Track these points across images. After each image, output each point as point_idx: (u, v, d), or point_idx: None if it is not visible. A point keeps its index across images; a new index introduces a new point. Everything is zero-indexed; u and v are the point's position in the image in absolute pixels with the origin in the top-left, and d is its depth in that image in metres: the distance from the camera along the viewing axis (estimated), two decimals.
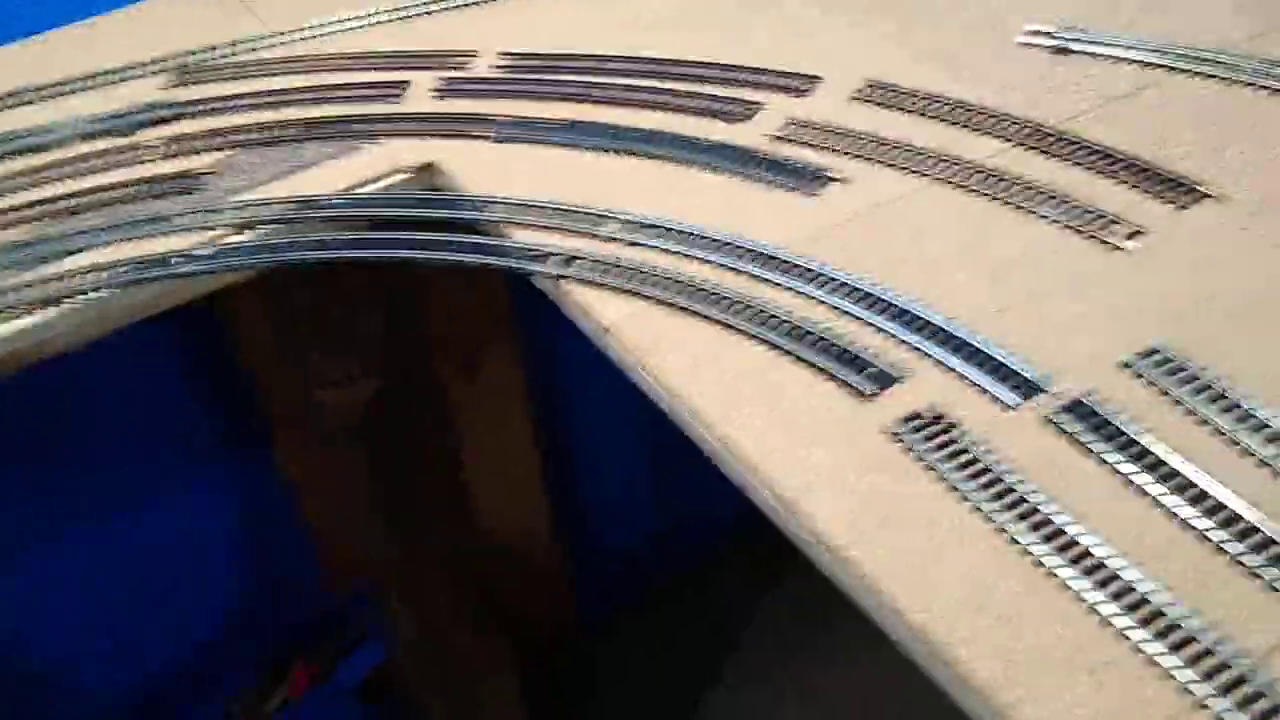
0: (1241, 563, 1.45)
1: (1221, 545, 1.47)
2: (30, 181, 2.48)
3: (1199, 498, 1.52)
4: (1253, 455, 1.57)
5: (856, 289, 1.92)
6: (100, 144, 2.57)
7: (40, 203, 2.41)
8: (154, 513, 3.64)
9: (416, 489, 3.26)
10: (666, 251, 2.08)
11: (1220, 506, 1.51)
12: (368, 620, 3.96)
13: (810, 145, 2.27)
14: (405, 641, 3.56)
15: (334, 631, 4.06)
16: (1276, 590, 1.42)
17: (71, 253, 2.27)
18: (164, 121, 2.61)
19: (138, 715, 3.95)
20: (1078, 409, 1.66)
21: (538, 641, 3.98)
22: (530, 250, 2.12)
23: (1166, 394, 1.67)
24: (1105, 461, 1.59)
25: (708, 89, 2.48)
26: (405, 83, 2.64)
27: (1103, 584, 1.45)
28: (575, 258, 2.08)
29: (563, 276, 2.06)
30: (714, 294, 1.95)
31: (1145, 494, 1.55)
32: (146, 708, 3.96)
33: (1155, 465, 1.57)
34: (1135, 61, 2.35)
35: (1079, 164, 2.12)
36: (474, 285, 3.18)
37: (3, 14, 3.00)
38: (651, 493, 4.44)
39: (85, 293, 2.18)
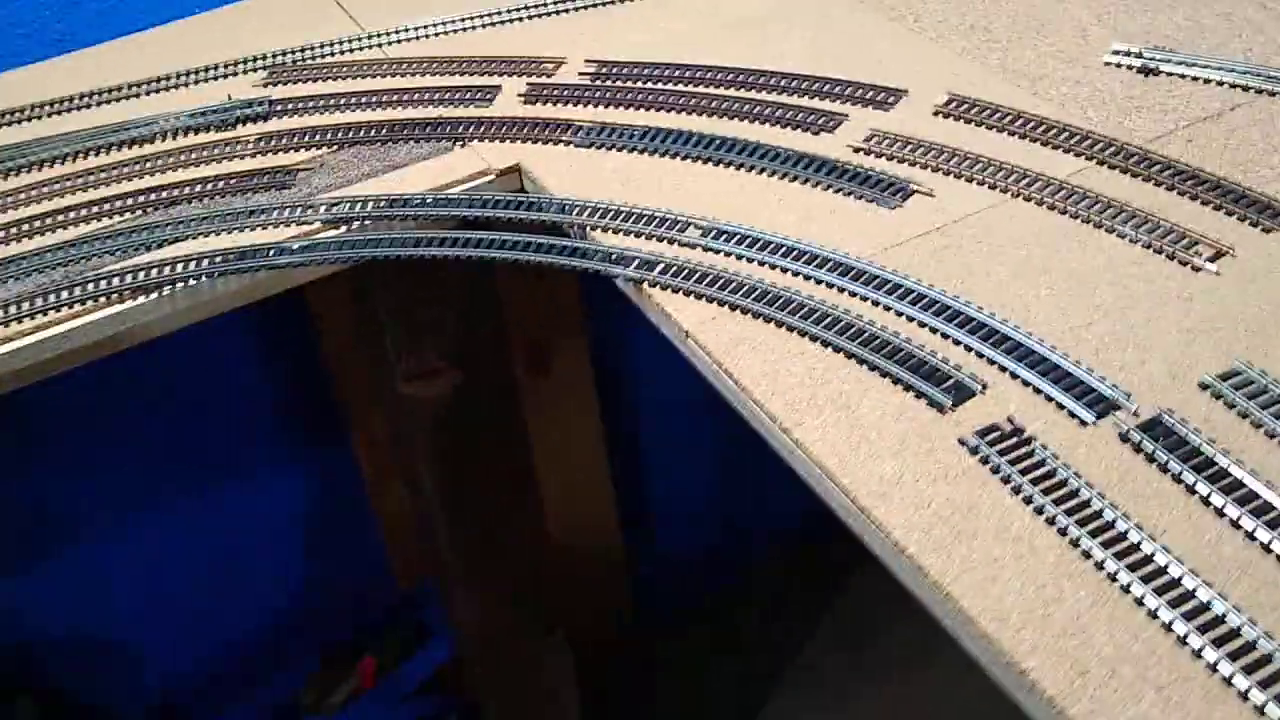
0: None
1: None
2: (134, 171, 2.57)
3: (1276, 521, 1.52)
4: None
5: (936, 301, 1.93)
6: (199, 138, 2.66)
7: (142, 192, 2.50)
8: (234, 495, 3.75)
9: (485, 485, 3.32)
10: (746, 259, 2.11)
11: None
12: (434, 616, 4.03)
13: (892, 158, 2.29)
14: (466, 638, 3.62)
15: (402, 626, 4.13)
16: None
17: (170, 241, 2.36)
18: (259, 118, 2.69)
19: (204, 695, 4.06)
20: (1155, 427, 1.67)
21: (596, 641, 4.01)
22: (612, 253, 2.17)
23: (1246, 416, 1.67)
24: (1181, 480, 1.60)
25: (792, 99, 2.51)
26: (496, 87, 2.70)
27: (1176, 602, 1.45)
28: (656, 262, 2.12)
29: (644, 280, 2.10)
30: (793, 301, 1.98)
31: (1222, 514, 1.55)
32: (212, 688, 4.06)
33: (1232, 486, 1.57)
34: (1223, 83, 2.34)
35: (1163, 184, 2.12)
36: (546, 283, 3.23)
37: (108, 11, 3.11)
38: (716, 497, 4.47)
39: (183, 281, 2.26)
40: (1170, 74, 2.41)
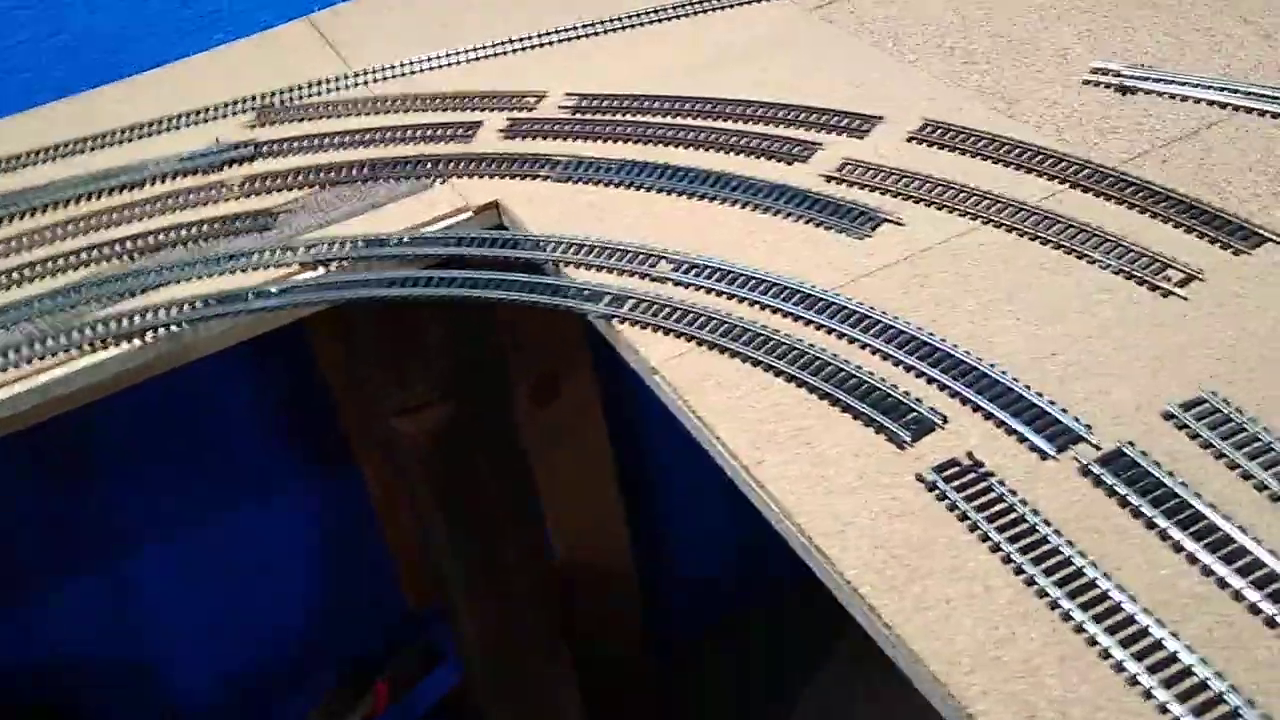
0: (1276, 623, 1.42)
1: (1256, 605, 1.44)
2: (119, 218, 2.61)
3: (1234, 555, 1.50)
4: None
5: (900, 333, 1.92)
6: (185, 182, 2.69)
7: (127, 239, 2.54)
8: (247, 519, 3.80)
9: (485, 514, 3.32)
10: (716, 292, 2.11)
11: (1257, 564, 1.48)
12: (444, 641, 4.05)
13: (864, 186, 2.28)
14: (475, 663, 3.63)
15: (413, 650, 4.15)
16: None
17: (154, 288, 2.39)
18: (245, 160, 2.72)
19: (219, 715, 4.10)
20: (1116, 460, 1.65)
21: (608, 668, 4.01)
22: (584, 290, 2.17)
23: (1209, 446, 1.65)
24: (1140, 514, 1.58)
25: (768, 129, 2.51)
26: (477, 123, 2.71)
27: (1128, 641, 1.43)
28: (627, 297, 2.13)
29: (614, 316, 2.10)
30: (758, 335, 1.98)
31: (1179, 549, 1.53)
32: (228, 709, 4.10)
33: (1191, 520, 1.55)
34: (1200, 100, 2.32)
35: (1135, 206, 2.10)
36: (550, 314, 3.24)
37: (94, 57, 3.16)
38: (729, 521, 4.45)
39: (165, 326, 2.29)
40: (1148, 92, 2.38)
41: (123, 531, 3.67)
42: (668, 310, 2.08)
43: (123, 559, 3.73)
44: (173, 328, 2.29)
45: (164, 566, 3.78)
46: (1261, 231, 1.99)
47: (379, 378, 2.86)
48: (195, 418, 3.60)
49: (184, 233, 2.52)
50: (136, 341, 2.28)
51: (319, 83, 2.96)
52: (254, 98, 2.95)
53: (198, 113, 2.93)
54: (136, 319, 2.30)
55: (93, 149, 2.89)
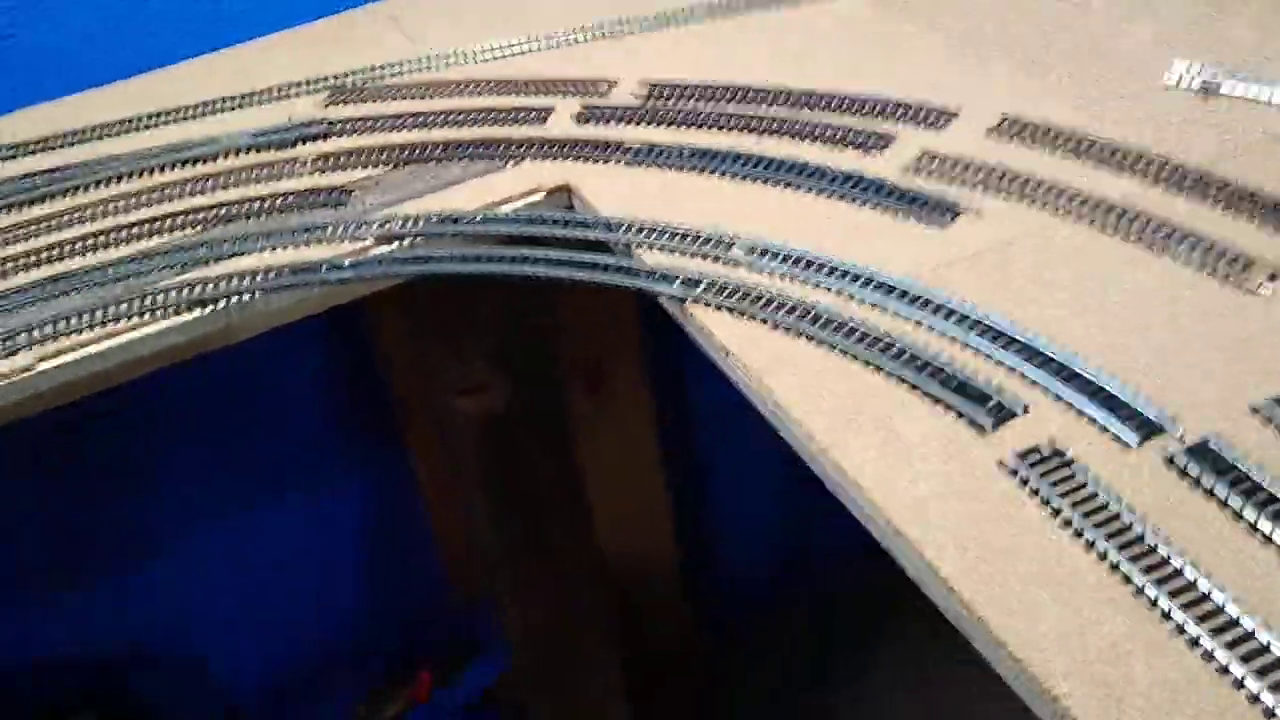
0: None
1: None
2: (195, 189, 2.63)
3: None
4: None
5: (979, 322, 1.91)
6: (258, 157, 2.71)
7: (202, 209, 2.56)
8: (295, 508, 3.81)
9: (539, 503, 3.33)
10: (790, 278, 2.10)
11: None
12: (488, 631, 4.05)
13: (942, 178, 2.27)
14: (521, 649, 3.63)
15: (458, 640, 4.15)
16: None
17: (227, 257, 2.41)
18: (318, 138, 2.74)
19: (267, 707, 4.11)
20: (1201, 451, 1.63)
21: (653, 663, 4.00)
22: (656, 271, 2.17)
23: None
24: (1228, 506, 1.55)
25: (844, 119, 2.50)
26: (550, 108, 2.72)
27: (1218, 630, 1.41)
28: (700, 280, 2.12)
29: (687, 299, 2.10)
30: (834, 321, 1.97)
31: (1271, 542, 1.50)
32: (275, 701, 4.12)
33: None
34: None
35: (1218, 205, 2.07)
36: (603, 300, 3.25)
37: (172, 35, 3.20)
38: (779, 514, 4.43)
39: (238, 295, 2.31)
40: (1231, 95, 2.35)
41: (173, 520, 3.69)
42: (741, 293, 2.07)
43: (173, 548, 3.75)
44: (244, 297, 2.31)
45: (214, 555, 3.79)
46: None
47: (439, 354, 2.87)
48: (250, 397, 3.62)
49: (257, 205, 2.55)
50: (208, 309, 2.30)
51: (393, 65, 2.98)
52: (328, 78, 2.98)
53: (272, 90, 2.96)
54: (209, 287, 2.32)
55: (168, 123, 2.92)
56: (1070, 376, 1.78)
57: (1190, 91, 2.39)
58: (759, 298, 2.05)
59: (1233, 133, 2.25)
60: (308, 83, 2.97)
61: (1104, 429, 1.70)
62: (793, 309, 2.01)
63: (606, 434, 3.61)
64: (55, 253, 2.49)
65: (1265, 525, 1.52)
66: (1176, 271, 1.96)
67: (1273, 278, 1.90)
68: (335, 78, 2.97)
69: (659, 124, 2.60)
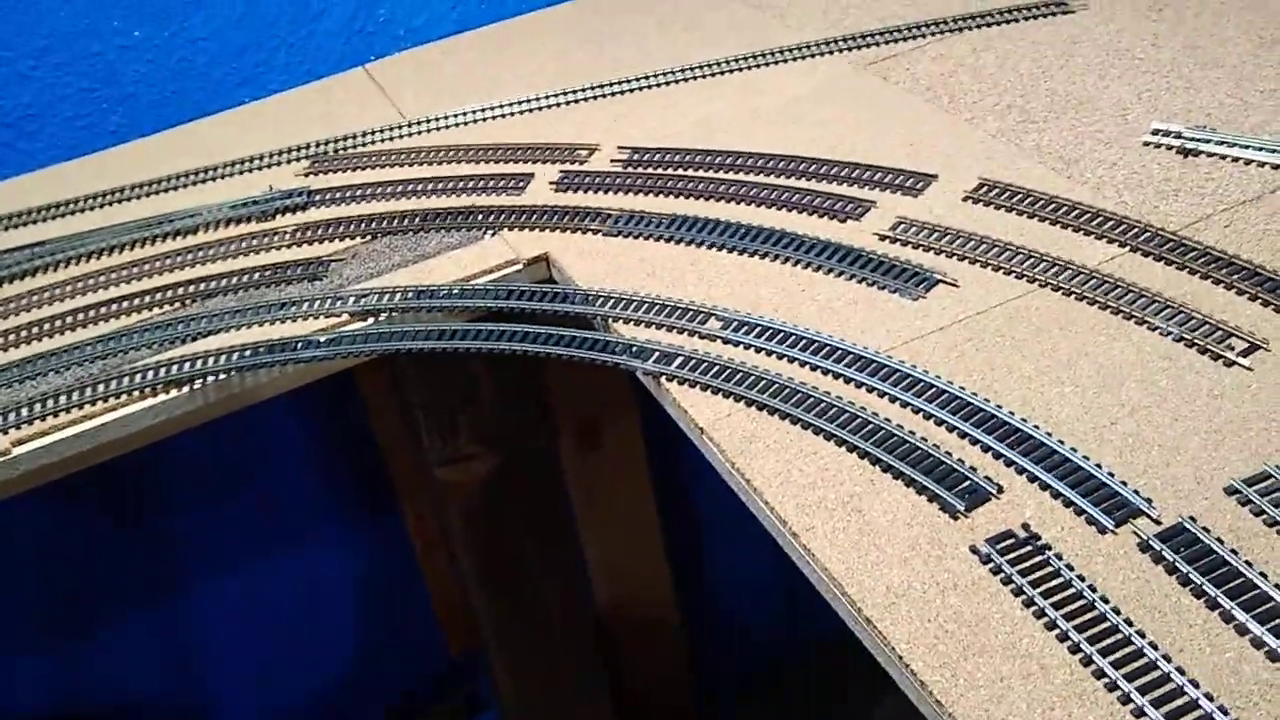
0: None
1: None
2: (175, 264, 2.63)
3: None
4: None
5: (954, 398, 1.88)
6: (238, 229, 2.71)
7: (181, 284, 2.56)
8: (291, 567, 3.80)
9: (525, 563, 3.30)
10: (765, 351, 2.08)
11: None
12: (483, 688, 4.02)
13: (918, 246, 2.25)
14: (510, 713, 3.59)
15: (453, 697, 4.12)
16: None
17: (203, 335, 2.40)
18: (297, 208, 2.74)
19: None
20: (1177, 536, 1.60)
21: (652, 711, 3.96)
22: (633, 346, 2.15)
23: (1274, 524, 1.59)
24: (1203, 593, 1.52)
25: (821, 185, 2.49)
26: (529, 175, 2.72)
27: None
28: (676, 355, 2.11)
29: (663, 374, 2.08)
30: (809, 397, 1.95)
31: (1245, 631, 1.47)
32: None
33: (1256, 601, 1.49)
34: (1264, 164, 2.27)
35: (1197, 271, 2.05)
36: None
37: (150, 105, 3.21)
38: (777, 566, 4.38)
39: (214, 374, 2.30)
40: (1211, 154, 2.34)
41: (175, 576, 3.69)
42: (716, 369, 2.06)
43: (175, 603, 3.75)
44: (222, 375, 2.30)
45: (215, 610, 3.79)
46: None
47: (427, 427, 2.85)
48: (248, 464, 3.63)
49: (235, 280, 2.54)
50: (186, 388, 2.29)
51: (372, 132, 2.98)
52: (308, 145, 2.98)
53: (252, 160, 2.96)
54: (187, 365, 2.31)
55: (148, 194, 2.92)
56: (1046, 456, 1.75)
57: (1170, 151, 2.38)
58: (734, 374, 2.03)
59: (1212, 195, 2.23)
60: (287, 151, 2.97)
61: (1079, 511, 1.67)
62: (767, 385, 1.99)
63: (601, 491, 3.59)
64: (32, 331, 2.49)
65: (1239, 614, 1.48)
66: (1154, 342, 1.94)
67: (1250, 349, 1.87)
68: (315, 145, 2.98)
69: (638, 191, 2.59)
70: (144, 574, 3.65)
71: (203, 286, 2.54)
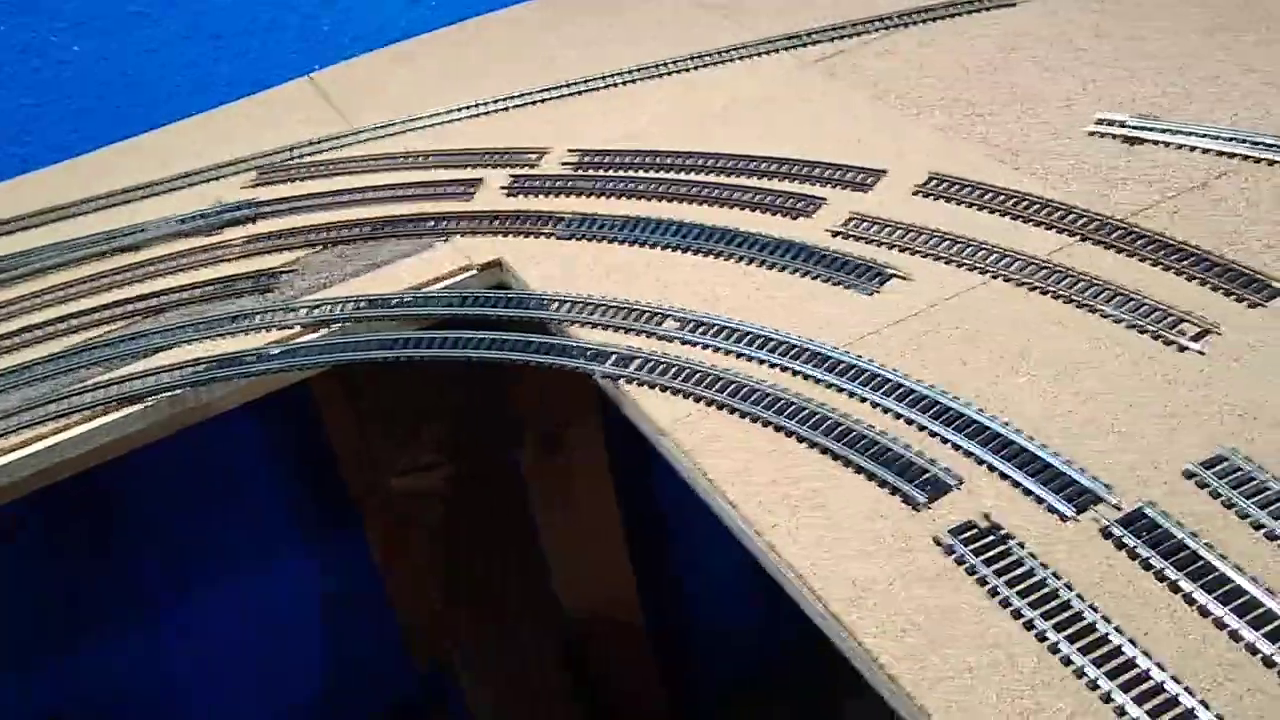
0: None
1: None
2: (121, 280, 2.59)
3: (1263, 618, 1.46)
4: None
5: (912, 391, 1.89)
6: (185, 243, 2.67)
7: (130, 300, 2.52)
8: (257, 586, 3.76)
9: (498, 569, 3.28)
10: (723, 351, 2.08)
11: None
12: (450, 700, 3.98)
13: (871, 241, 2.26)
14: None
15: (418, 710, 4.08)
16: None
17: (155, 351, 2.36)
18: (245, 221, 2.71)
19: None
20: (1137, 521, 1.61)
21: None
22: (589, 349, 2.15)
23: (1231, 505, 1.61)
24: (1164, 577, 1.54)
25: (772, 184, 2.49)
26: (478, 180, 2.70)
27: (1157, 711, 1.39)
28: (634, 357, 2.10)
29: (621, 377, 2.07)
30: (768, 395, 1.95)
31: (1207, 613, 1.49)
32: None
33: (1217, 583, 1.51)
34: (1208, 150, 2.30)
35: (1146, 259, 2.07)
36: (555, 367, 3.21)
37: (93, 120, 3.16)
38: (748, 570, 4.39)
39: (167, 390, 2.26)
40: (1155, 142, 2.37)
41: (135, 599, 3.63)
42: (675, 370, 2.05)
43: (136, 625, 3.69)
44: (175, 391, 2.27)
45: (176, 631, 3.74)
46: (1275, 283, 1.97)
47: (384, 438, 2.83)
48: (204, 483, 3.57)
49: (185, 295, 2.51)
50: (137, 406, 2.25)
51: (318, 141, 2.95)
52: (254, 157, 2.95)
53: (197, 173, 2.92)
54: (139, 382, 2.27)
55: (93, 210, 2.88)
56: (1004, 446, 1.77)
57: (1115, 140, 2.40)
58: (692, 374, 2.03)
59: (1157, 182, 2.26)
60: (234, 163, 2.93)
61: (1040, 500, 1.68)
62: (725, 385, 1.99)
63: (564, 496, 3.57)
64: None
65: (1201, 597, 1.50)
66: (1106, 330, 1.95)
67: (1202, 334, 1.89)
68: (262, 156, 2.94)
69: (589, 194, 2.59)
70: (102, 601, 3.59)
71: (153, 302, 2.50)
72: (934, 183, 2.37)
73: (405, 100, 3.07)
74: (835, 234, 2.30)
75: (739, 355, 2.06)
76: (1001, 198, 2.29)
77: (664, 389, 2.03)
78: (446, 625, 3.37)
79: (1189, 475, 1.67)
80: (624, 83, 3.00)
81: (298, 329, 2.35)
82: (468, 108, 2.99)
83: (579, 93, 2.98)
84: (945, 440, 1.81)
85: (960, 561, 1.62)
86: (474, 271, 2.44)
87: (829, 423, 1.87)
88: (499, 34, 3.37)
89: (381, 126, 2.97)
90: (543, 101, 2.98)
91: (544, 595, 3.61)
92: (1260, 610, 1.47)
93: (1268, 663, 1.42)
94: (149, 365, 2.32)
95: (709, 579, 4.33)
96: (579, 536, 3.67)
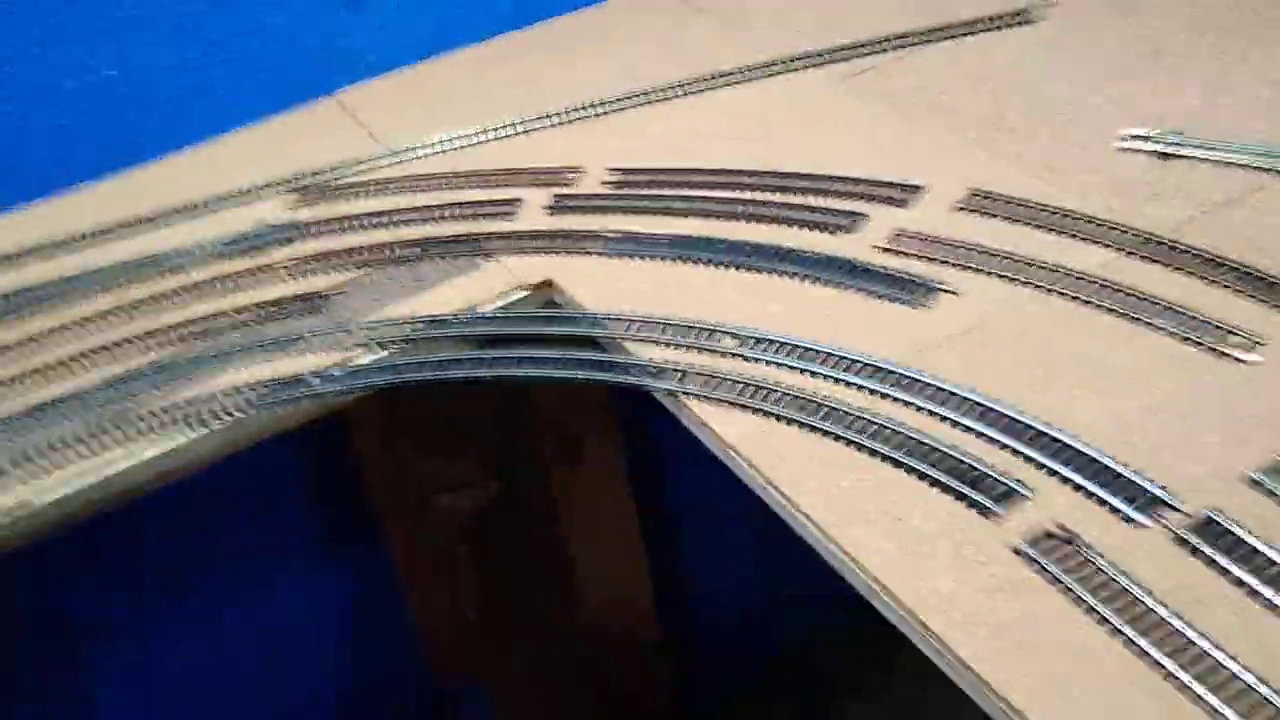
0: None
1: None
2: (170, 304, 2.61)
3: None
4: None
5: (975, 403, 1.96)
6: (231, 265, 2.70)
7: (179, 325, 2.54)
8: (270, 603, 3.76)
9: (522, 582, 3.32)
10: (783, 366, 2.14)
11: None
12: (468, 714, 4.02)
13: (917, 256, 2.33)
14: None
15: None
16: None
17: (213, 374, 2.39)
18: (289, 241, 2.73)
19: None
20: (1208, 527, 1.69)
21: None
22: (649, 366, 2.20)
23: None
24: (1242, 583, 1.61)
25: (812, 200, 2.55)
26: (518, 200, 2.74)
27: (1250, 712, 1.46)
28: (694, 373, 2.15)
29: (682, 392, 2.12)
30: (832, 409, 2.00)
31: None
32: None
33: None
34: (1240, 165, 2.38)
35: (1190, 272, 2.15)
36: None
37: (128, 138, 3.17)
38: (760, 574, 4.45)
39: (228, 413, 2.29)
40: (1187, 157, 2.45)
41: (151, 610, 3.63)
42: (737, 385, 2.11)
43: (152, 638, 3.69)
44: (237, 413, 2.29)
45: (194, 642, 3.74)
46: None
47: (423, 455, 2.86)
48: (224, 488, 3.57)
49: (236, 317, 2.53)
50: (200, 430, 2.28)
51: (356, 161, 2.98)
52: (292, 178, 2.97)
53: (237, 194, 2.94)
54: (199, 407, 2.30)
55: (135, 233, 2.89)
56: (1072, 456, 1.83)
57: (1147, 155, 2.48)
58: (755, 389, 2.08)
59: (1194, 197, 2.34)
60: (273, 184, 2.95)
61: (1112, 509, 1.75)
62: (791, 399, 2.05)
63: (584, 504, 3.61)
64: (33, 380, 2.45)
65: (1278, 600, 1.57)
66: (1158, 342, 2.03)
67: (1254, 345, 1.97)
68: (299, 177, 2.97)
69: (631, 212, 2.63)
70: (118, 618, 3.59)
71: (205, 324, 2.52)
72: (973, 198, 2.44)
73: (433, 120, 3.10)
74: (881, 250, 2.36)
75: (800, 370, 2.12)
76: (1042, 212, 2.36)
77: (725, 403, 2.09)
78: (475, 642, 3.40)
79: (1253, 482, 1.74)
80: (652, 101, 3.04)
81: (356, 350, 2.38)
82: (498, 127, 3.02)
83: (609, 112, 3.02)
84: (1014, 451, 1.87)
85: (1041, 569, 1.68)
86: (526, 292, 2.48)
87: (897, 436, 1.93)
88: (522, 53, 3.41)
89: (415, 147, 3.00)
90: (574, 120, 3.02)
91: (570, 610, 3.66)
92: None
93: None
94: (208, 388, 2.34)
95: (716, 583, 4.39)
96: (601, 548, 3.72)
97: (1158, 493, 1.75)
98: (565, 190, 2.75)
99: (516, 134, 3.02)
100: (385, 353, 2.37)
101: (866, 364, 2.09)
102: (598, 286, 2.44)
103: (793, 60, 3.04)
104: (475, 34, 3.44)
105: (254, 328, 2.51)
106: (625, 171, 2.76)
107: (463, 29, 3.44)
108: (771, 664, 4.37)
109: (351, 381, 2.31)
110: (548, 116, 3.02)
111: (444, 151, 3.01)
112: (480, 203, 2.76)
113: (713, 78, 3.05)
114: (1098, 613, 1.61)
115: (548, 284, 2.49)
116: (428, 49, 3.40)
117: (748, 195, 2.61)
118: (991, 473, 1.83)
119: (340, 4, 3.33)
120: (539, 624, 3.53)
